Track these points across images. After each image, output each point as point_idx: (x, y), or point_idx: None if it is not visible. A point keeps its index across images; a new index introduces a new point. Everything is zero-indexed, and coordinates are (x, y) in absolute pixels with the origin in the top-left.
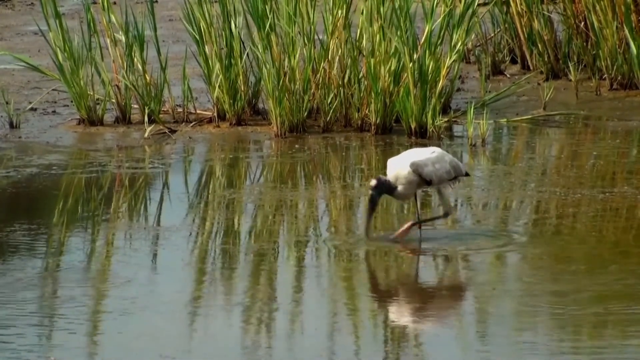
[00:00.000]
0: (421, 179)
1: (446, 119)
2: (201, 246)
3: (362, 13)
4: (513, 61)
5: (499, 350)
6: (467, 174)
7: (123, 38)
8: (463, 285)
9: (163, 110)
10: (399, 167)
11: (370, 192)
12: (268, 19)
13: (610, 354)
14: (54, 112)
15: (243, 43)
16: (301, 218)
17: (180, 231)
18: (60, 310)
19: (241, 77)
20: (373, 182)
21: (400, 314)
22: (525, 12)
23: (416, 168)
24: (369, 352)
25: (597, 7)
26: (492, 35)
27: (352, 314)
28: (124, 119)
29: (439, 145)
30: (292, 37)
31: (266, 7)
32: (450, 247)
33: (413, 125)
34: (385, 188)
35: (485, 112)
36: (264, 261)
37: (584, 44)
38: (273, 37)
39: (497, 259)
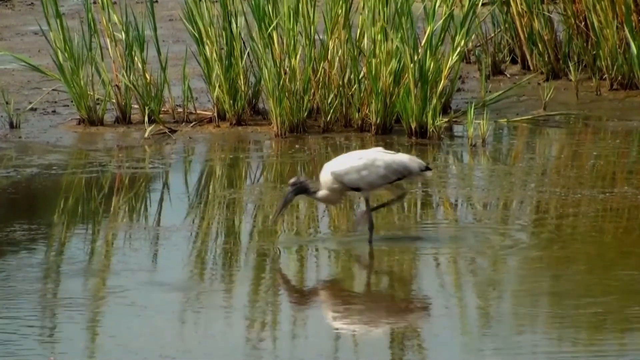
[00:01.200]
0: (346, 186)
1: (446, 119)
2: (201, 246)
3: (363, 13)
4: (513, 61)
5: (499, 350)
6: (426, 169)
7: (123, 38)
8: (463, 285)
9: (163, 110)
10: (323, 173)
11: (289, 188)
12: (272, 19)
13: (610, 354)
14: (54, 112)
15: (244, 43)
16: (301, 218)
17: (180, 231)
18: (60, 310)
19: (241, 77)
20: (292, 180)
21: (400, 313)
22: (526, 12)
23: (336, 177)
24: (369, 351)
25: (598, 7)
26: (493, 35)
27: (353, 313)
28: (124, 119)
29: (438, 145)
30: (294, 36)
31: (268, 6)
32: (451, 246)
33: (413, 126)
34: (300, 189)
35: (485, 112)
36: (264, 261)
37: (584, 44)
38: (275, 36)
39: (496, 259)
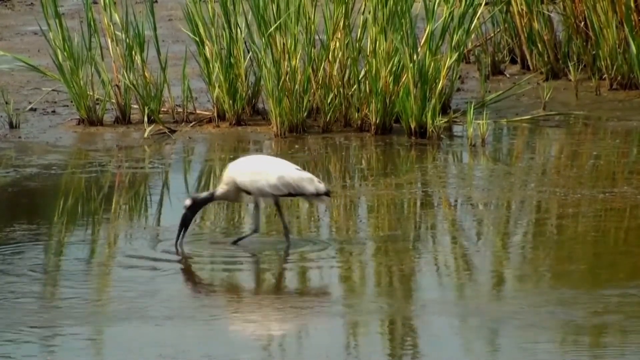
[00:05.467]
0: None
1: (446, 119)
2: (201, 246)
3: (363, 13)
4: (513, 61)
5: (499, 351)
6: (326, 194)
7: (123, 38)
8: (462, 285)
9: (163, 110)
10: (226, 170)
11: (183, 210)
12: (276, 19)
13: (610, 355)
14: (53, 112)
15: (245, 43)
16: (302, 218)
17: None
18: (60, 310)
19: (241, 77)
20: (187, 202)
21: (400, 312)
22: (526, 12)
23: (233, 174)
24: (369, 351)
25: (598, 7)
26: (492, 35)
27: (355, 314)
28: (123, 119)
29: (438, 145)
30: (295, 36)
31: (272, 6)
32: (450, 246)
33: (413, 126)
34: (200, 204)
35: (485, 112)
36: (264, 261)
37: (584, 43)
38: (278, 37)
39: (496, 259)
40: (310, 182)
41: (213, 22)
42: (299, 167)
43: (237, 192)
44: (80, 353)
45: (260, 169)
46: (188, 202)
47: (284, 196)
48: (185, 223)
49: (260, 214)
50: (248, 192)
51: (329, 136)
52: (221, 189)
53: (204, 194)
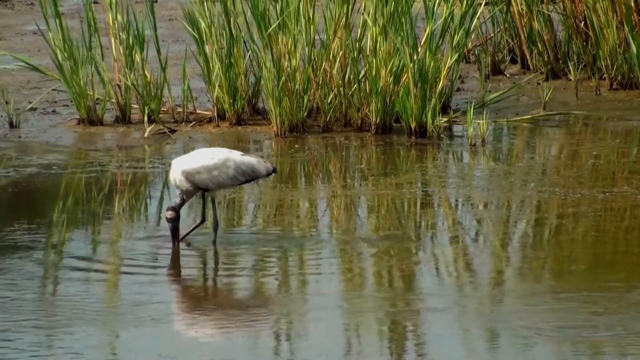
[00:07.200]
0: (196, 185)
1: (446, 119)
2: (201, 246)
3: (364, 13)
4: (513, 61)
5: (499, 351)
6: (274, 171)
7: (124, 37)
8: (462, 285)
9: (163, 110)
10: (175, 172)
11: (169, 223)
12: (277, 19)
13: (610, 355)
14: (53, 111)
15: (245, 43)
16: (302, 218)
17: (180, 231)
18: (60, 310)
19: (241, 76)
20: (171, 214)
21: (401, 312)
22: (526, 11)
23: (187, 175)
24: (370, 351)
25: (597, 7)
26: (492, 35)
27: (355, 313)
28: (123, 118)
29: (438, 145)
30: (295, 36)
31: (274, 6)
32: (450, 246)
33: (413, 125)
34: (179, 210)
35: (485, 112)
36: (264, 261)
37: (584, 43)
38: (280, 36)
39: (496, 259)
40: (260, 164)
41: (213, 22)
42: (242, 153)
43: (196, 190)
44: (80, 353)
45: (216, 164)
46: (172, 214)
47: (240, 184)
48: (176, 233)
49: (217, 206)
50: (206, 189)
51: (329, 136)
52: (185, 192)
53: (178, 201)
